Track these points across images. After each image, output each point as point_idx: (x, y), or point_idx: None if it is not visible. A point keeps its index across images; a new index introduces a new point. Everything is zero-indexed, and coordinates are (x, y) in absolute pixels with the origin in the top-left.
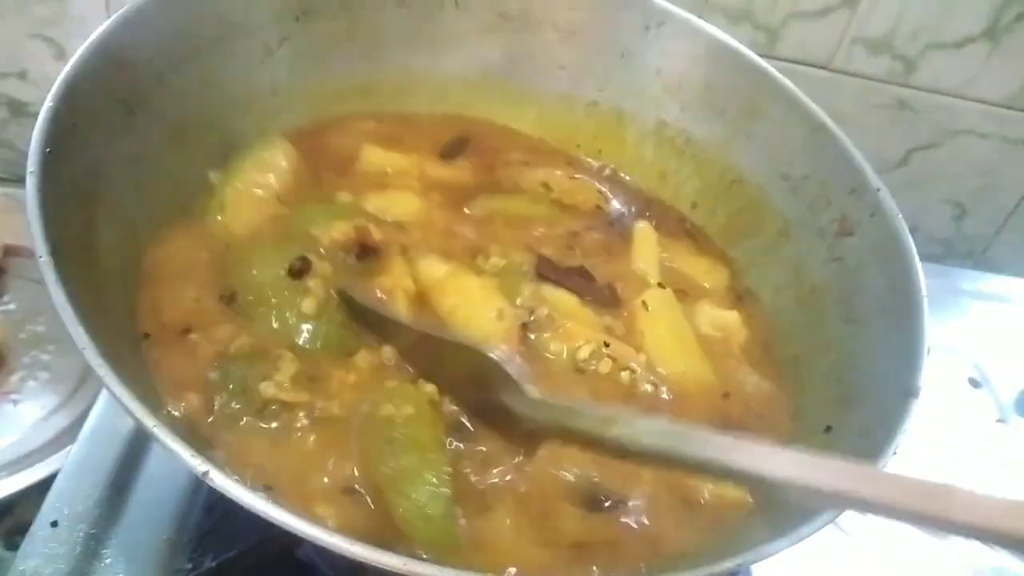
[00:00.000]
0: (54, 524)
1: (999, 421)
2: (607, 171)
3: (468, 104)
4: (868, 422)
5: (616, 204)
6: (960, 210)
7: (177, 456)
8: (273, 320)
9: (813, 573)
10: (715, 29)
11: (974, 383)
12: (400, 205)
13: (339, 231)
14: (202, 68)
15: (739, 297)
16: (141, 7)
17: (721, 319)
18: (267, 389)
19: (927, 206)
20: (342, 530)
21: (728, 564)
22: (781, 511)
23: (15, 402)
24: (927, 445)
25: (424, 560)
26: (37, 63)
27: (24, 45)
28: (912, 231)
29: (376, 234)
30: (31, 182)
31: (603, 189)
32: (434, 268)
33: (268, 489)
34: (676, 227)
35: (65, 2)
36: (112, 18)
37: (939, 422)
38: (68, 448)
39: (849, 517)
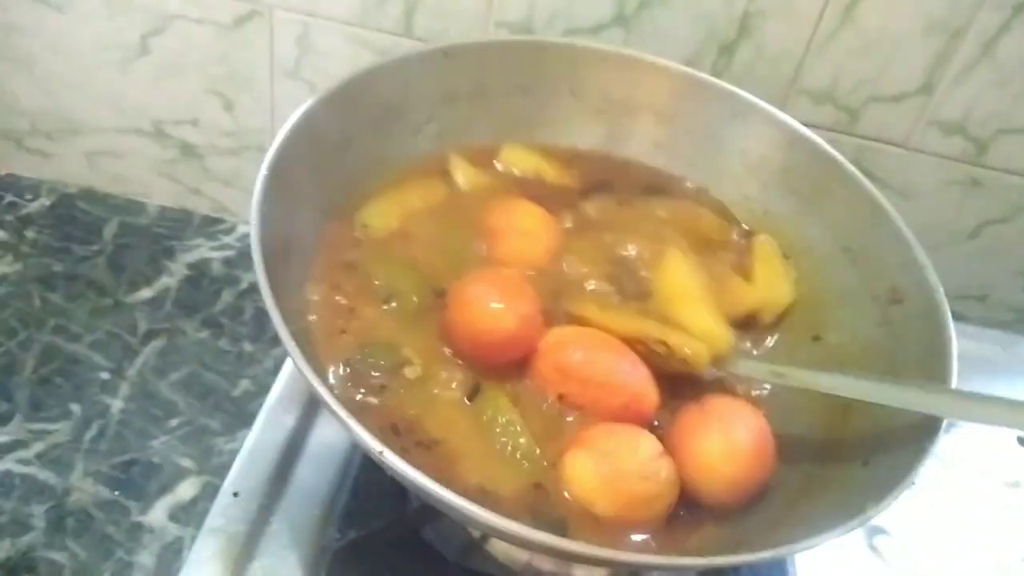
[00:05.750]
0: (236, 494)
1: None
2: None
3: None
4: (897, 460)
5: None
6: None
7: (358, 436)
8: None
9: None
10: (793, 121)
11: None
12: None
13: None
14: (369, 143)
15: None
16: (324, 96)
17: None
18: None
19: (998, 275)
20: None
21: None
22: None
23: None
24: (967, 494)
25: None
26: (207, 114)
27: (199, 98)
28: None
29: None
30: (254, 232)
31: None
32: None
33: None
34: None
35: (235, 63)
36: (307, 103)
37: (984, 478)
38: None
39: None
